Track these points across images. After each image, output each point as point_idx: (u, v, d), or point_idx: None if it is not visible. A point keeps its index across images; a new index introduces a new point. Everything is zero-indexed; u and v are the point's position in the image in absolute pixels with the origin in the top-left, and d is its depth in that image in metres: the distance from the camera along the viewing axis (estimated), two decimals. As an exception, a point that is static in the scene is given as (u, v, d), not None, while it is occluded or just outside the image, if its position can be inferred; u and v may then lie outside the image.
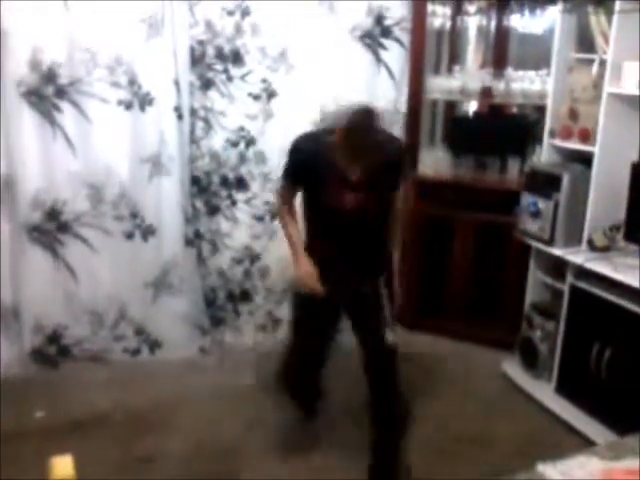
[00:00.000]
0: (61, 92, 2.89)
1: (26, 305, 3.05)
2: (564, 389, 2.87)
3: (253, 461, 2.51)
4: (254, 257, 3.38)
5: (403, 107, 3.51)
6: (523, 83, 3.30)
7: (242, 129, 3.22)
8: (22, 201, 2.95)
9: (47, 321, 3.09)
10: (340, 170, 2.19)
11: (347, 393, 2.88)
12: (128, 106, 3.00)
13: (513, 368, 3.14)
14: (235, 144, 3.24)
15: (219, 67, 3.15)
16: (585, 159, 2.78)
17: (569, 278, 2.80)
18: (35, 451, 2.40)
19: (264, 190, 3.30)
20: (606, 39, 2.64)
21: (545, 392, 2.93)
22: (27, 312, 3.05)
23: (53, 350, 3.13)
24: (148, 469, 2.43)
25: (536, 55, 3.51)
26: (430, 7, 3.47)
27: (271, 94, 3.22)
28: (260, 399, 2.93)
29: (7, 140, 2.86)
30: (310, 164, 2.27)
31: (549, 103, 2.95)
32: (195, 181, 3.26)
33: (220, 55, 3.13)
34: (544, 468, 1.31)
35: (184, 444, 2.58)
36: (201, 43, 3.10)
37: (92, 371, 3.11)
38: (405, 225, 3.60)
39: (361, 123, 2.09)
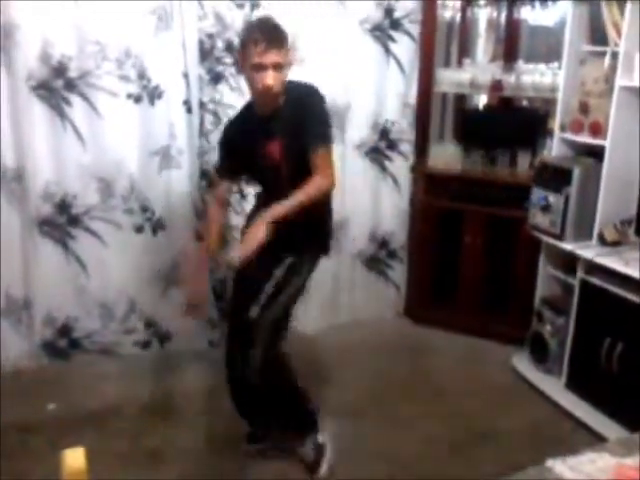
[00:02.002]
0: (71, 85, 2.90)
1: (37, 298, 3.06)
2: (574, 384, 2.86)
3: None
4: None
5: (413, 100, 3.50)
6: (534, 76, 3.28)
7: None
8: (32, 194, 2.96)
9: (58, 314, 3.11)
10: (259, 117, 2.23)
11: (357, 389, 2.89)
12: (137, 99, 3.00)
13: (523, 363, 3.13)
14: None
15: (228, 60, 3.14)
16: (596, 153, 2.75)
17: (580, 273, 2.78)
18: (47, 443, 2.43)
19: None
20: (618, 31, 2.62)
21: (555, 387, 2.92)
22: (38, 305, 3.07)
23: (64, 343, 3.15)
24: (159, 462, 2.44)
25: (547, 48, 3.49)
26: (440, -1, 3.46)
27: (280, 87, 3.21)
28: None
29: (17, 133, 2.87)
30: (238, 138, 2.28)
31: (560, 96, 2.93)
32: (204, 174, 3.26)
33: (229, 48, 3.12)
34: (554, 464, 1.30)
35: (195, 437, 2.59)
36: (210, 36, 3.09)
37: (103, 364, 3.13)
38: (415, 218, 3.64)
39: (257, 23, 2.21)
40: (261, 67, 2.08)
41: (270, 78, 2.08)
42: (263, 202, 2.32)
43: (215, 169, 2.46)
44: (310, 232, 2.32)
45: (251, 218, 2.35)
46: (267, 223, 2.09)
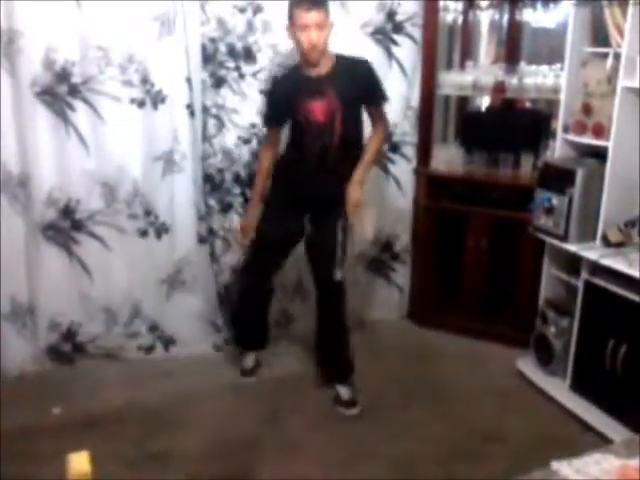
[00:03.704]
0: (74, 91, 2.91)
1: (41, 303, 3.07)
2: (579, 386, 2.85)
3: (268, 457, 2.51)
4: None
5: (415, 103, 3.50)
6: (536, 78, 3.27)
7: (254, 126, 3.22)
8: (36, 199, 2.97)
9: (62, 318, 3.12)
10: (307, 78, 2.60)
11: (360, 392, 2.89)
12: (140, 104, 3.01)
13: (527, 365, 3.13)
14: (247, 141, 3.25)
15: (231, 64, 3.15)
16: (599, 154, 2.75)
17: (584, 274, 2.78)
18: (52, 447, 2.42)
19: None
20: (620, 32, 2.61)
21: (560, 389, 2.92)
22: (42, 310, 3.08)
23: (68, 347, 3.15)
24: (163, 465, 2.44)
25: (549, 49, 3.48)
26: (442, 2, 3.46)
27: (283, 91, 3.22)
28: (274, 395, 2.94)
29: (21, 139, 2.88)
30: (282, 98, 2.68)
31: (562, 98, 2.93)
32: (208, 178, 3.26)
33: (232, 52, 3.13)
34: (559, 466, 1.30)
35: (199, 441, 2.59)
36: (213, 41, 3.10)
37: (107, 368, 3.13)
38: (419, 220, 3.64)
39: None
40: (306, 27, 2.48)
41: (314, 36, 2.48)
42: (295, 154, 2.75)
43: (263, 119, 2.95)
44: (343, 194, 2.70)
45: (283, 166, 2.83)
46: (360, 183, 2.61)
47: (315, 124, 2.61)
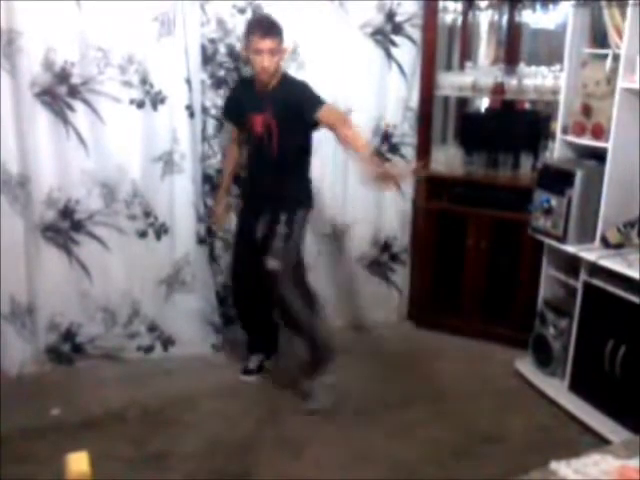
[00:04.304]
0: (74, 91, 2.91)
1: (41, 303, 3.07)
2: (578, 387, 2.85)
3: (266, 458, 2.51)
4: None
5: (415, 104, 3.50)
6: (535, 79, 3.28)
7: (254, 127, 3.23)
8: (36, 200, 2.97)
9: (61, 319, 3.11)
10: (255, 92, 2.79)
11: (360, 393, 2.89)
12: (140, 105, 3.01)
13: (526, 366, 3.13)
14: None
15: (230, 65, 3.16)
16: (598, 155, 2.76)
17: (582, 275, 2.78)
18: (51, 448, 2.43)
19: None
20: (619, 33, 2.62)
21: (559, 390, 2.92)
22: (42, 310, 3.08)
23: (67, 348, 3.15)
24: (162, 465, 2.44)
25: (548, 50, 3.49)
26: (441, 3, 3.46)
27: (282, 92, 3.22)
28: (274, 395, 2.94)
29: (21, 139, 2.88)
30: (237, 99, 2.92)
31: (562, 99, 2.93)
32: (207, 179, 3.27)
33: (231, 53, 3.14)
34: (558, 466, 1.30)
35: (197, 441, 2.59)
36: (212, 41, 3.11)
37: (106, 368, 3.13)
38: (418, 221, 3.64)
39: (258, 18, 2.88)
40: (259, 51, 2.65)
41: (266, 60, 2.66)
42: (248, 159, 2.98)
43: (222, 114, 3.11)
44: (296, 192, 2.86)
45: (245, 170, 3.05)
46: (366, 161, 2.55)
47: (255, 135, 2.79)
